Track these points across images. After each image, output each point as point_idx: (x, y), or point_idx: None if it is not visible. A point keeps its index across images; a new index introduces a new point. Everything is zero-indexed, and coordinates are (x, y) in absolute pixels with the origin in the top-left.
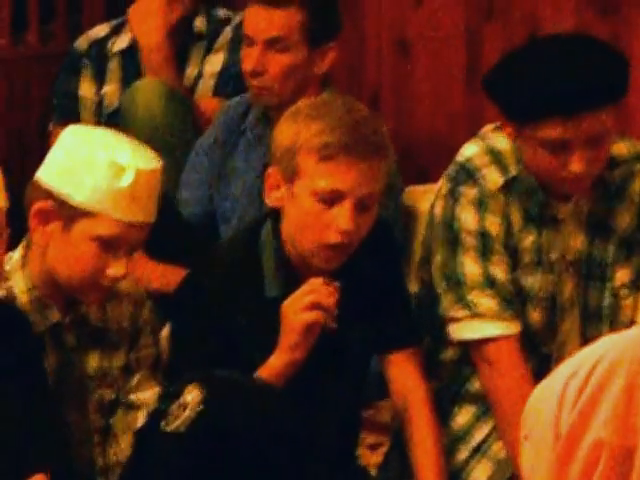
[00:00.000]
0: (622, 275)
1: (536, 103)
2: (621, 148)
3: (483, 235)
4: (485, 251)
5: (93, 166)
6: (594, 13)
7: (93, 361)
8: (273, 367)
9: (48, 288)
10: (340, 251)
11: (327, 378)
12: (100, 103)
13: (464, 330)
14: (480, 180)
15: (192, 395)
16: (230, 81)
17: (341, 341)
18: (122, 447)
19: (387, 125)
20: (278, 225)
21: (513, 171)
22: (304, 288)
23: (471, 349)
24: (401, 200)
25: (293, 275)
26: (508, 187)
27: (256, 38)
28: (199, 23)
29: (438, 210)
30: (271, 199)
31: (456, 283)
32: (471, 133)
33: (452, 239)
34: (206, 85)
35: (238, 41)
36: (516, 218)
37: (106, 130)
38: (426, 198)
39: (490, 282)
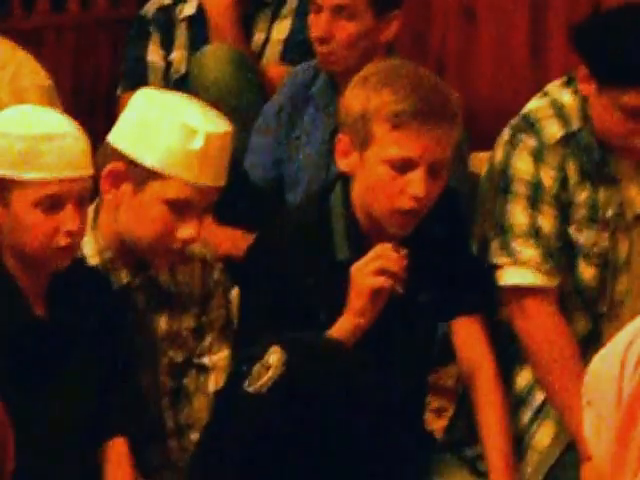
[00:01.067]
0: None
1: (629, 70)
2: None
3: (536, 185)
4: (535, 201)
5: (165, 129)
6: None
7: (163, 323)
8: (341, 330)
9: (118, 250)
10: (412, 216)
11: (395, 343)
12: (168, 69)
13: (504, 276)
14: (540, 131)
15: (275, 357)
16: (297, 48)
17: (409, 306)
18: (195, 408)
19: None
20: (348, 190)
21: (574, 126)
22: (372, 253)
23: (508, 296)
24: (467, 166)
25: (363, 239)
26: (567, 141)
27: (323, 5)
28: None
29: (496, 157)
30: (342, 165)
31: (503, 230)
32: None
33: (505, 186)
34: (273, 51)
35: (305, 8)
36: (572, 172)
37: (177, 94)
38: None
39: (536, 232)
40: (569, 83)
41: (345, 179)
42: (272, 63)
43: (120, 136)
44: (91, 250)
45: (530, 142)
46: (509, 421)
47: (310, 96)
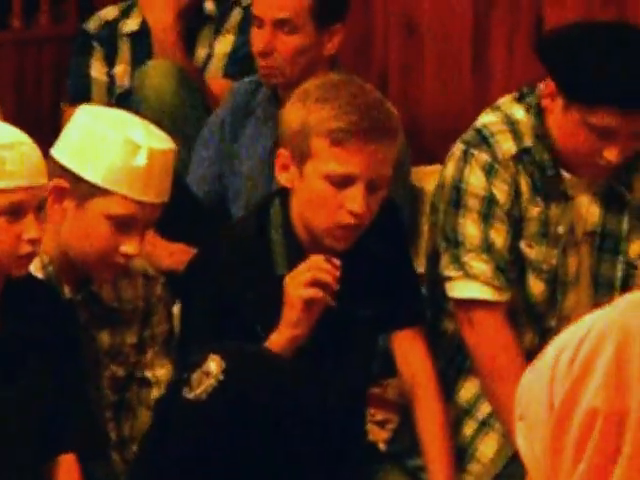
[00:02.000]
0: (637, 246)
1: (595, 91)
2: None
3: (488, 200)
4: (488, 216)
5: (108, 145)
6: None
7: (105, 338)
8: (277, 341)
9: (61, 265)
10: (351, 231)
11: (334, 356)
12: (111, 84)
13: (455, 289)
14: (494, 146)
15: (214, 364)
16: (239, 62)
17: (349, 319)
18: (138, 422)
19: (394, 106)
20: (287, 204)
21: (527, 142)
22: (305, 264)
23: (458, 309)
24: (409, 181)
25: (302, 253)
26: (520, 157)
27: (265, 19)
28: (209, 5)
29: (448, 171)
30: (281, 179)
31: (455, 244)
32: (477, 114)
33: (457, 200)
34: (216, 66)
35: (247, 23)
36: (524, 188)
37: (120, 110)
38: (433, 179)
39: (488, 247)
40: (521, 99)
41: (285, 193)
42: (215, 78)
43: (63, 152)
44: (35, 265)
45: (483, 157)
46: (450, 432)
47: (252, 110)
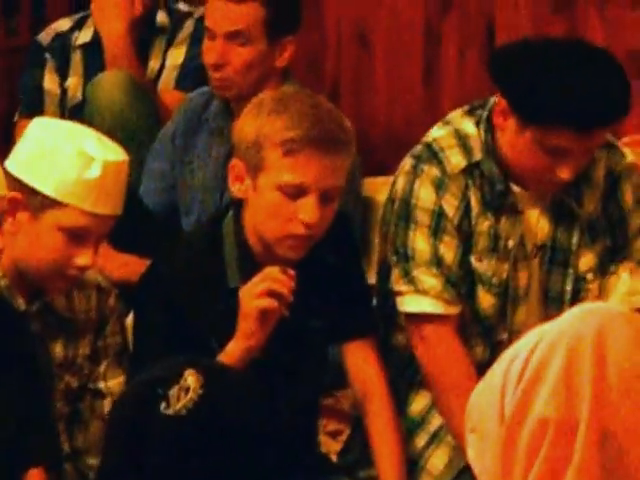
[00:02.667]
0: (587, 260)
1: (552, 112)
2: None
3: (438, 215)
4: (437, 230)
5: (61, 158)
6: (551, 9)
7: (59, 349)
8: (230, 353)
9: (15, 277)
10: (304, 242)
11: (287, 367)
12: (64, 96)
13: (405, 303)
14: (443, 161)
15: (192, 379)
16: (192, 74)
17: (301, 330)
18: (90, 433)
19: (346, 118)
20: (240, 216)
21: (477, 156)
22: (260, 275)
23: (409, 323)
24: (360, 192)
25: (255, 265)
26: (470, 171)
27: (217, 31)
28: (161, 17)
29: (398, 185)
30: (235, 190)
31: (405, 258)
32: (428, 126)
33: (407, 215)
34: (168, 78)
35: (199, 35)
36: (474, 202)
37: (73, 123)
38: (384, 190)
39: (437, 261)
40: (470, 112)
41: (238, 205)
42: (167, 89)
43: (16, 165)
44: None
45: (433, 172)
46: (402, 444)
47: (204, 121)
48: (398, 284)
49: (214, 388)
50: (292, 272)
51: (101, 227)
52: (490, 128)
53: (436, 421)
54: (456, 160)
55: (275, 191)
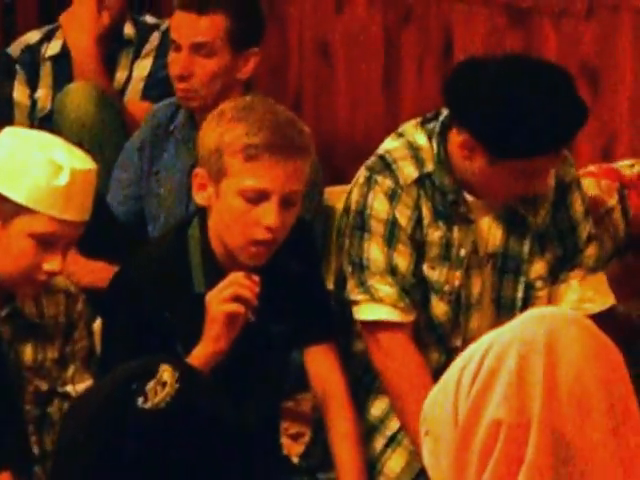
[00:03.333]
0: (538, 268)
1: (529, 146)
2: None
3: (392, 224)
4: (392, 240)
5: (31, 166)
6: (507, 21)
7: (28, 353)
8: (197, 357)
9: None
10: (266, 247)
11: (250, 371)
12: (33, 107)
13: (361, 311)
14: (396, 172)
15: (167, 374)
16: (158, 85)
17: (263, 336)
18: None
19: (308, 127)
20: (205, 223)
21: (429, 167)
22: (226, 281)
23: (365, 331)
24: (321, 200)
25: (219, 272)
26: (422, 182)
27: (182, 43)
28: (128, 29)
29: (353, 197)
30: (199, 198)
31: (360, 267)
32: (388, 135)
33: (361, 225)
34: (135, 89)
35: (165, 47)
36: (426, 212)
37: (42, 132)
38: (344, 198)
39: (392, 270)
40: (423, 125)
41: (203, 213)
42: (134, 100)
43: None
44: None
45: (386, 183)
46: (362, 447)
47: (171, 132)
48: (354, 293)
49: (189, 384)
50: (257, 278)
51: (70, 233)
52: (442, 140)
53: (394, 425)
54: (408, 171)
55: (237, 197)
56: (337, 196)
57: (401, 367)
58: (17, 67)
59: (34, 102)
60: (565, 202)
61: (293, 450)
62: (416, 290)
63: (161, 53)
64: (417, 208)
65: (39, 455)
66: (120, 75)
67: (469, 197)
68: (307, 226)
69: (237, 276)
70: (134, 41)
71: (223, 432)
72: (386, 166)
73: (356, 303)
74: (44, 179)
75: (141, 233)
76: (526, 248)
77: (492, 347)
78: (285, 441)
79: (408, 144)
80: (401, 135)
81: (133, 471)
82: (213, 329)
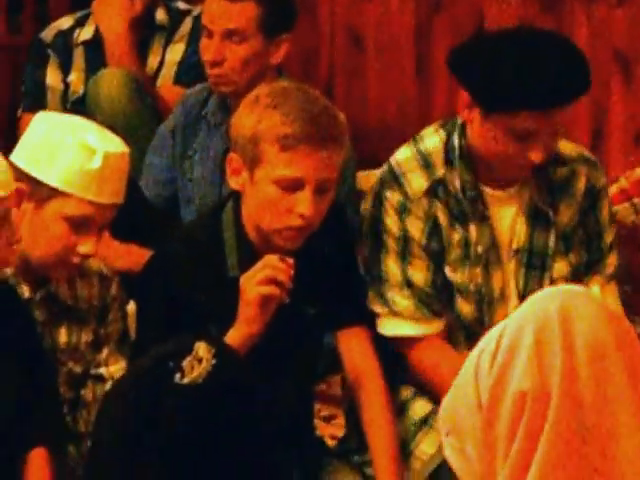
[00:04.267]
0: (561, 267)
1: (515, 98)
2: (567, 147)
3: (404, 239)
4: (405, 254)
5: (64, 149)
6: (538, 7)
7: (62, 336)
8: (232, 339)
9: (20, 266)
10: (300, 233)
11: (283, 353)
12: (66, 91)
13: (383, 326)
14: (404, 185)
15: (203, 350)
16: (190, 70)
17: (296, 317)
18: (92, 417)
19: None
20: (239, 207)
21: (439, 172)
22: (260, 264)
23: (394, 346)
24: (354, 184)
25: (253, 255)
26: (434, 190)
27: (214, 30)
28: (160, 15)
29: (367, 209)
30: (233, 183)
31: (378, 280)
32: (420, 120)
33: (376, 239)
34: (167, 74)
35: (197, 32)
36: (442, 218)
37: (75, 116)
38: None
39: (408, 283)
40: (443, 125)
41: (237, 197)
42: (166, 85)
43: (22, 156)
44: None
45: (395, 197)
46: (395, 430)
47: (203, 116)
48: (374, 304)
49: (224, 359)
50: (291, 260)
51: (103, 216)
52: (463, 134)
53: (426, 406)
54: (418, 183)
55: (272, 185)
56: (369, 180)
57: (439, 373)
58: (50, 52)
59: (67, 86)
60: (594, 208)
61: (326, 432)
62: (436, 299)
63: (193, 39)
64: (430, 217)
65: (73, 435)
66: (152, 60)
67: (488, 190)
68: (340, 209)
69: (271, 259)
70: (166, 27)
71: (258, 406)
72: (395, 179)
73: (377, 316)
74: (77, 163)
75: (174, 217)
76: (551, 244)
77: (508, 326)
78: (318, 423)
79: (418, 152)
80: (416, 141)
81: (171, 446)
82: (247, 312)
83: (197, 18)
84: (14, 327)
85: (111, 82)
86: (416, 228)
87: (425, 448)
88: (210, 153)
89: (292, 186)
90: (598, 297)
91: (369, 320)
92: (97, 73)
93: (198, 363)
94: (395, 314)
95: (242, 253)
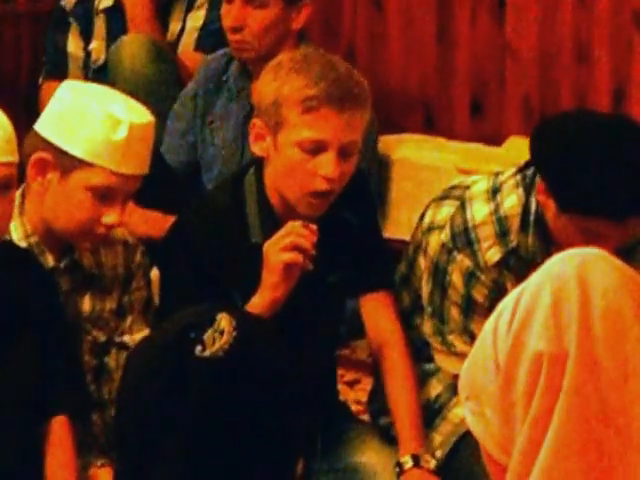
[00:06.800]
0: None
1: (593, 205)
2: None
3: (468, 300)
4: (468, 311)
5: (89, 119)
6: None
7: (87, 304)
8: (256, 306)
9: (44, 235)
10: (324, 198)
11: (306, 319)
12: (87, 58)
13: (443, 362)
14: (478, 255)
15: (225, 322)
16: (211, 36)
17: (319, 283)
18: (116, 385)
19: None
20: (261, 173)
21: (514, 241)
22: (283, 230)
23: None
24: (376, 149)
25: (276, 222)
26: (506, 261)
27: None
28: None
29: (434, 249)
30: (256, 149)
31: (440, 318)
32: (441, 85)
33: (441, 285)
34: (188, 40)
35: None
36: (509, 285)
37: (100, 86)
38: (398, 147)
39: (469, 334)
40: (524, 179)
41: (259, 163)
42: (187, 51)
43: (47, 126)
44: (18, 235)
45: (465, 263)
46: (418, 394)
47: (224, 82)
48: (433, 338)
49: (246, 331)
50: (314, 227)
51: (128, 186)
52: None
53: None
54: (490, 254)
55: (295, 148)
56: (391, 145)
57: None
58: (71, 20)
59: (88, 54)
60: None
61: (350, 396)
62: None
63: (214, 5)
64: (497, 285)
65: (97, 403)
66: (173, 27)
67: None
68: (362, 175)
69: (295, 225)
70: None
71: (282, 379)
72: (468, 244)
73: (435, 349)
74: (102, 133)
75: (196, 183)
76: None
77: (525, 290)
78: (342, 388)
79: (497, 216)
80: (494, 194)
81: (192, 419)
82: (271, 278)
83: None
84: (37, 296)
85: (132, 48)
86: (481, 294)
87: (459, 412)
88: (231, 119)
89: (315, 149)
90: (614, 259)
91: (392, 285)
92: (118, 40)
93: (220, 335)
94: (454, 355)
95: (265, 220)
